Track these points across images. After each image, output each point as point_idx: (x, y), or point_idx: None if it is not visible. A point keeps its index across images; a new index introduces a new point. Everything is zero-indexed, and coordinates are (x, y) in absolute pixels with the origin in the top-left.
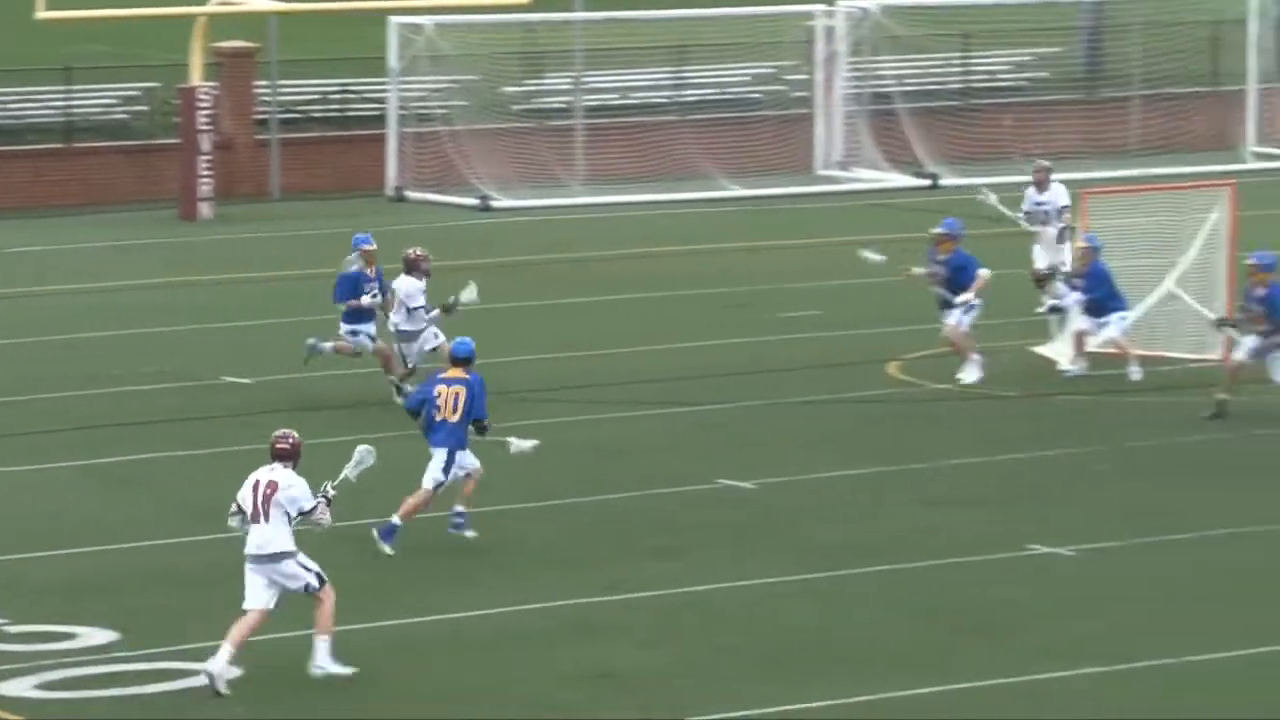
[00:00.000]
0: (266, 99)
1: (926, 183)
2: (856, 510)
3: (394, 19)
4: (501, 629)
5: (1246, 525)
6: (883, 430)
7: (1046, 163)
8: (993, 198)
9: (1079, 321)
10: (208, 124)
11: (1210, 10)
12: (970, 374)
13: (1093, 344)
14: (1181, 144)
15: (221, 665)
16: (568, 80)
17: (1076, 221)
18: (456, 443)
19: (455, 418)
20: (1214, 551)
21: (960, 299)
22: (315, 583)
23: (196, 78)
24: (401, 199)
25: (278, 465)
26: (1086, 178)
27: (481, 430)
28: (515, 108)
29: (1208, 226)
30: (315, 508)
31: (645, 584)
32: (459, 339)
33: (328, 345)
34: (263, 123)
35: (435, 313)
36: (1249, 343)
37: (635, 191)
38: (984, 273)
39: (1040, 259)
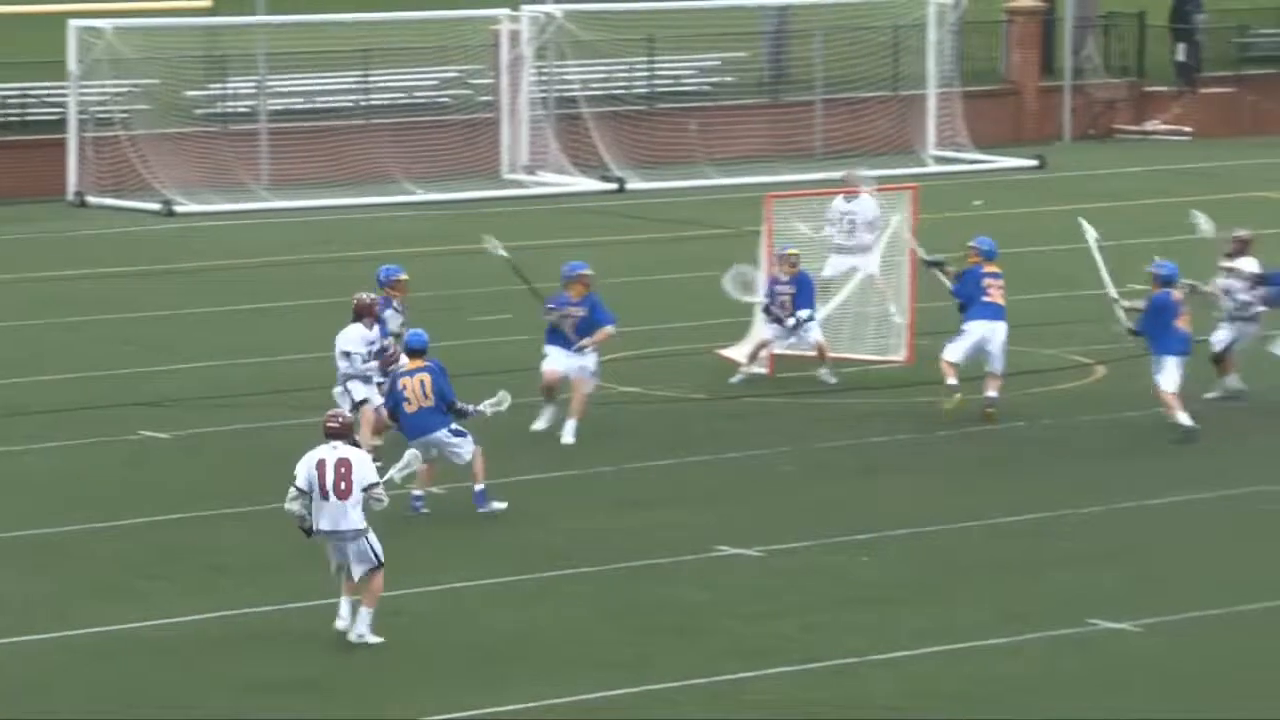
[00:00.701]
0: None
1: (614, 186)
2: (547, 513)
3: (73, 22)
4: (185, 637)
5: (928, 525)
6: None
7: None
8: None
9: (765, 329)
10: None
11: (890, 15)
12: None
13: (781, 348)
14: (864, 147)
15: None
16: (251, 84)
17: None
18: (435, 427)
19: (429, 402)
20: (897, 550)
21: (579, 345)
22: (375, 563)
23: None
24: (83, 204)
25: (340, 444)
26: (771, 181)
27: (454, 411)
28: (198, 111)
29: (890, 229)
30: (377, 485)
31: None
32: (412, 331)
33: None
34: None
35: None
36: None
37: (321, 196)
38: (609, 329)
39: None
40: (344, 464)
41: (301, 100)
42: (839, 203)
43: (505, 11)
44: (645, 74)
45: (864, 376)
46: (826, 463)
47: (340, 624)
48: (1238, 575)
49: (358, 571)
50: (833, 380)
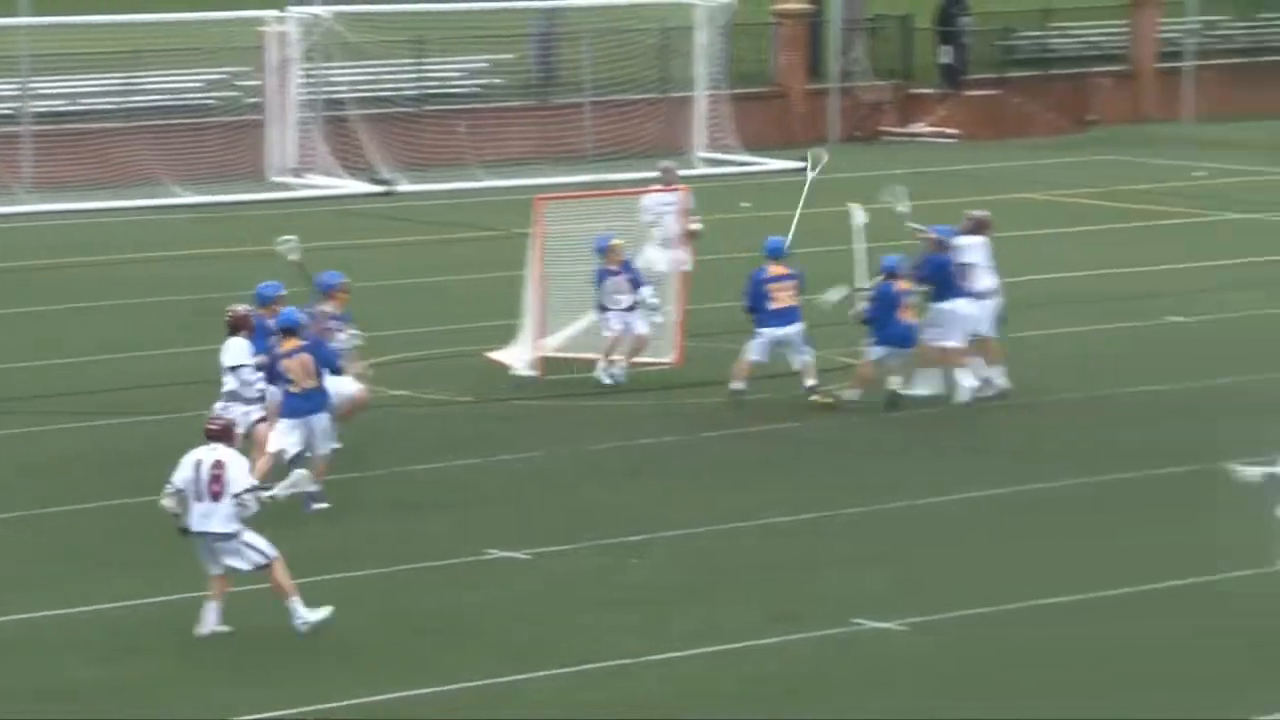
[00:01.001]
0: None
1: (382, 189)
2: (315, 517)
3: None
4: None
5: (698, 526)
6: (341, 437)
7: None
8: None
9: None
10: None
11: (658, 18)
12: None
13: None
14: (634, 150)
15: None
16: (14, 86)
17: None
18: (320, 407)
19: (313, 382)
20: (666, 552)
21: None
22: (262, 559)
23: None
24: None
25: (219, 445)
26: (542, 183)
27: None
28: None
29: (663, 230)
30: (250, 491)
31: (109, 597)
32: (283, 311)
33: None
34: None
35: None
36: None
37: (85, 199)
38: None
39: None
40: (218, 466)
41: (66, 102)
42: (653, 199)
43: (273, 13)
44: (414, 76)
45: (634, 378)
46: (596, 465)
47: (201, 629)
48: (1001, 575)
49: (235, 568)
50: (608, 381)
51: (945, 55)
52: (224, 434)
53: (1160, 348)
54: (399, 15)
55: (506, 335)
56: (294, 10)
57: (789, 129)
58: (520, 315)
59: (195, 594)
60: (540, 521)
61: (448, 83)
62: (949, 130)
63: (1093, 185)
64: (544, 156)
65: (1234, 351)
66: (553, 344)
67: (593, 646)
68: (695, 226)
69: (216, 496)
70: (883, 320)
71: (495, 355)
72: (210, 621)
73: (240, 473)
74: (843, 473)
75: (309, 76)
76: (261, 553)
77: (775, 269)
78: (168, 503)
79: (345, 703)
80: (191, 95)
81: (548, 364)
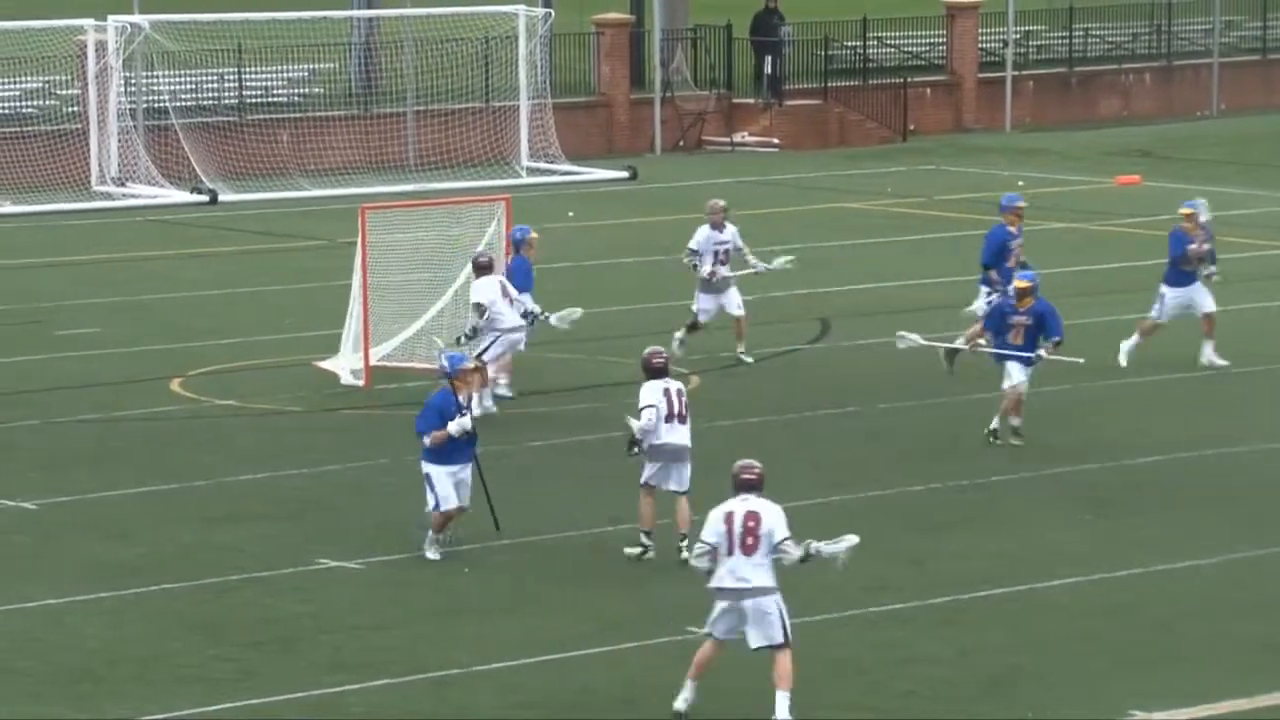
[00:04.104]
0: None
1: (205, 199)
2: (141, 528)
3: None
4: None
5: (531, 535)
6: (166, 447)
7: (722, 201)
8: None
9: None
10: None
11: (480, 27)
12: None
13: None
14: (458, 159)
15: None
16: None
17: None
18: None
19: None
20: (497, 561)
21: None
22: (780, 638)
23: None
24: None
25: (750, 496)
26: (365, 193)
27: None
28: None
29: (485, 239)
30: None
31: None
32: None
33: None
34: None
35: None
36: None
37: None
38: None
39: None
40: (752, 517)
41: None
42: (704, 235)
43: (91, 21)
44: (234, 85)
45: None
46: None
47: (679, 705)
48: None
49: (757, 640)
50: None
51: (766, 65)
52: (757, 483)
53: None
54: (219, 24)
55: (332, 345)
56: (113, 19)
57: (613, 138)
58: (346, 324)
59: (6, 607)
60: (371, 531)
61: (268, 91)
62: (772, 140)
63: (914, 195)
64: (366, 166)
65: None
66: (380, 354)
67: (423, 656)
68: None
69: (751, 550)
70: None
71: (323, 365)
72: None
73: (778, 522)
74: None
75: (129, 85)
76: (786, 632)
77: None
78: (699, 563)
79: (171, 714)
80: (10, 104)
81: (375, 374)
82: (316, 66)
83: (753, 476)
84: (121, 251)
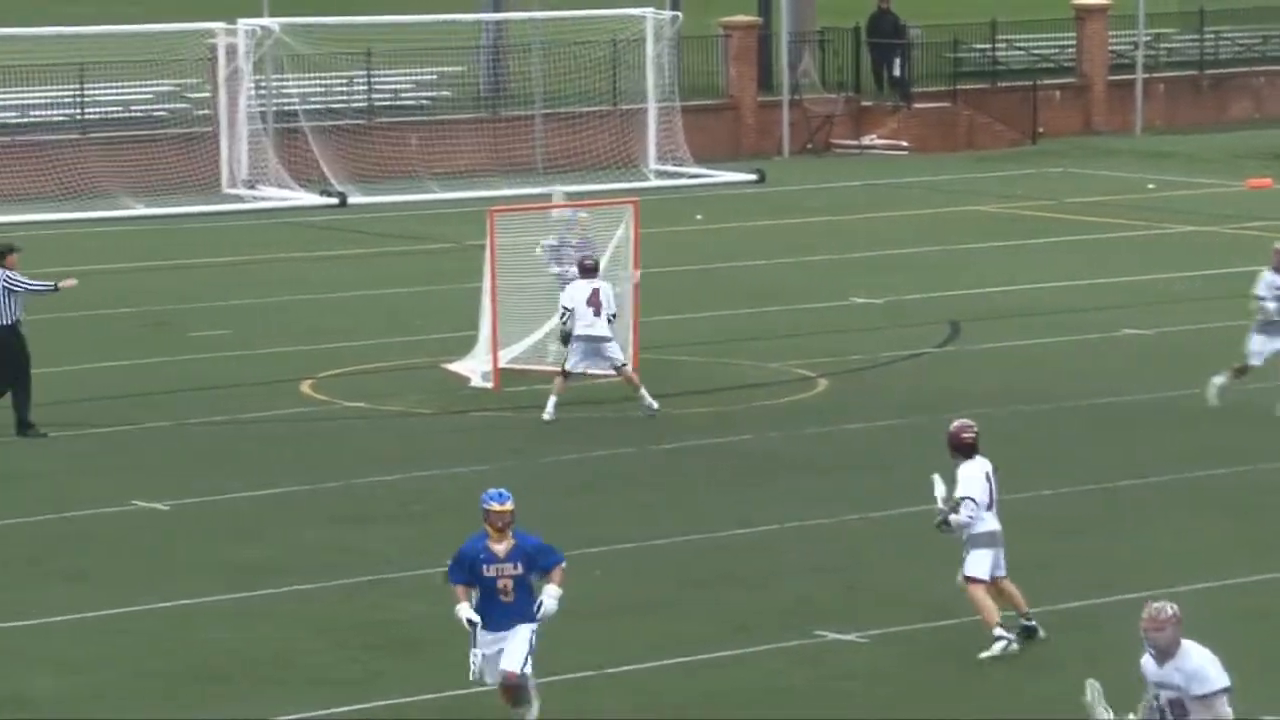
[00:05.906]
0: None
1: (334, 201)
2: (271, 529)
3: None
4: None
5: (656, 539)
6: (296, 449)
7: None
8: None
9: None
10: None
11: (608, 30)
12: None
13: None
14: (585, 162)
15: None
16: None
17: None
18: None
19: None
20: (626, 563)
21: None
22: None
23: None
24: None
25: (977, 458)
26: (493, 195)
27: None
28: None
29: (613, 243)
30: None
31: (55, 609)
32: None
33: None
34: None
35: None
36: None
37: (38, 210)
38: None
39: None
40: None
41: (16, 114)
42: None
43: (222, 25)
44: (363, 88)
45: (588, 391)
46: (551, 476)
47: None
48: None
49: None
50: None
51: (895, 67)
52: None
53: (1117, 360)
54: (348, 27)
55: (464, 347)
56: (243, 22)
57: (740, 141)
58: (476, 327)
59: (142, 607)
60: None
61: (397, 95)
62: (901, 142)
63: (1043, 198)
64: (494, 169)
65: (1191, 363)
66: (509, 357)
67: (552, 658)
68: None
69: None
70: None
71: (452, 367)
72: None
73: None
74: (792, 485)
75: (259, 88)
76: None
77: None
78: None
79: (299, 715)
80: (141, 107)
81: (504, 376)
82: (445, 69)
83: (971, 437)
84: (251, 254)
